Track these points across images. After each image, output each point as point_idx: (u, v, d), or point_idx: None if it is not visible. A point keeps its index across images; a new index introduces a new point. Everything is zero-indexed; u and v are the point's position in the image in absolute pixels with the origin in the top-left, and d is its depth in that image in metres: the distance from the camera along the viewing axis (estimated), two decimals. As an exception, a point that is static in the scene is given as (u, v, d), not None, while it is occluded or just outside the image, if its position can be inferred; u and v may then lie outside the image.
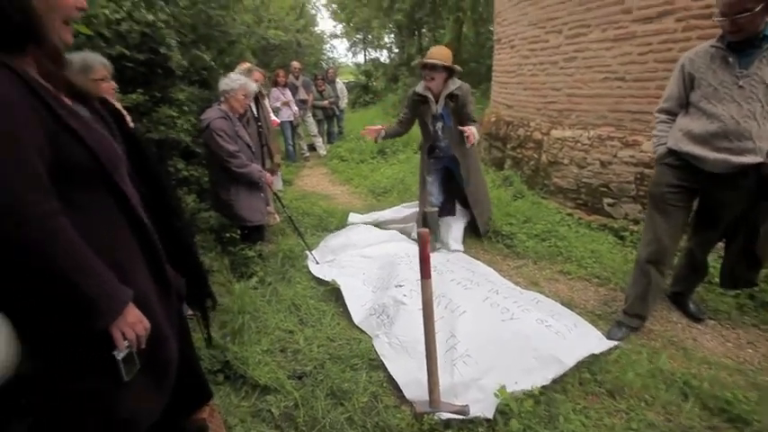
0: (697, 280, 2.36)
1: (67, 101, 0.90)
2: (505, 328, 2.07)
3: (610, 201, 3.49)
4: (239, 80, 2.79)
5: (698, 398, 1.75)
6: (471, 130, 2.80)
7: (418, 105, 3.16)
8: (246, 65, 3.85)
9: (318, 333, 2.36)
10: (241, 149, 2.83)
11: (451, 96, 3.01)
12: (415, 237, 3.54)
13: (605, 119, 3.54)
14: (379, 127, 3.32)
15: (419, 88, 3.11)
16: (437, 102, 3.07)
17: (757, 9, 1.66)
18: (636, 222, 3.26)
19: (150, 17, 2.86)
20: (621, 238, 3.23)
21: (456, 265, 2.90)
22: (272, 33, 5.87)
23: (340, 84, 8.15)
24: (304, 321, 2.49)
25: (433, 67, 2.94)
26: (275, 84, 6.44)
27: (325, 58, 16.43)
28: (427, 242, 1.60)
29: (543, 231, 3.39)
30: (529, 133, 4.37)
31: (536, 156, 4.24)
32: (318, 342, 2.27)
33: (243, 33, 4.37)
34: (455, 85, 3.00)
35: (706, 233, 2.17)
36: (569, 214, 3.70)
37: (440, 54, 2.96)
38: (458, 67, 3.02)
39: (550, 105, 4.07)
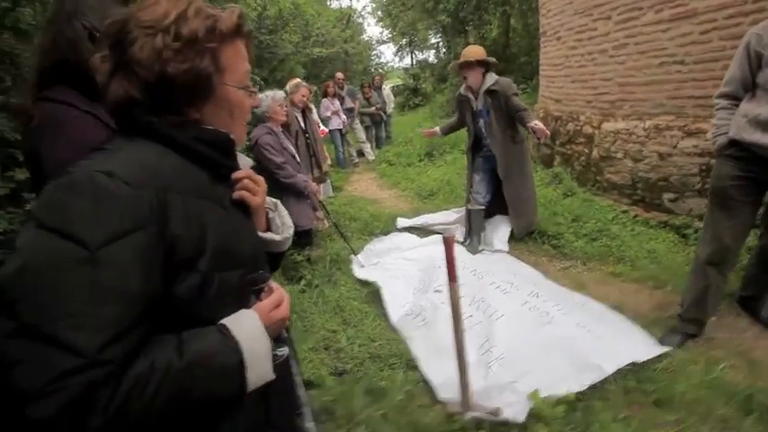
0: (772, 282, 2.11)
1: None
2: (543, 332, 2.03)
3: (671, 196, 3.21)
4: (265, 99, 3.02)
5: (764, 413, 1.58)
6: (538, 125, 2.68)
7: (461, 105, 3.28)
8: (296, 80, 4.12)
9: (360, 333, 2.48)
10: (287, 161, 3.06)
11: (490, 92, 3.03)
12: (459, 238, 3.53)
13: (663, 107, 3.26)
14: (434, 129, 3.62)
15: (461, 89, 3.24)
16: (476, 99, 3.13)
17: None
18: (702, 218, 2.96)
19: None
20: (684, 236, 2.96)
21: (497, 265, 2.87)
22: (318, 51, 6.19)
23: (386, 90, 8.31)
24: (347, 322, 2.63)
25: (467, 65, 2.99)
26: (325, 94, 6.77)
27: (374, 64, 16.77)
28: (452, 246, 1.64)
29: (594, 230, 3.21)
30: (579, 128, 4.15)
31: (587, 151, 4.01)
32: (360, 341, 2.39)
33: (291, 53, 4.68)
34: (492, 80, 3.03)
35: (778, 230, 1.94)
36: (624, 212, 3.45)
37: (471, 51, 3.02)
38: (492, 59, 3.03)
39: (601, 97, 3.84)
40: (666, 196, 3.23)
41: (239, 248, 0.69)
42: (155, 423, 0.52)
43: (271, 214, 0.88)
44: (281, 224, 0.89)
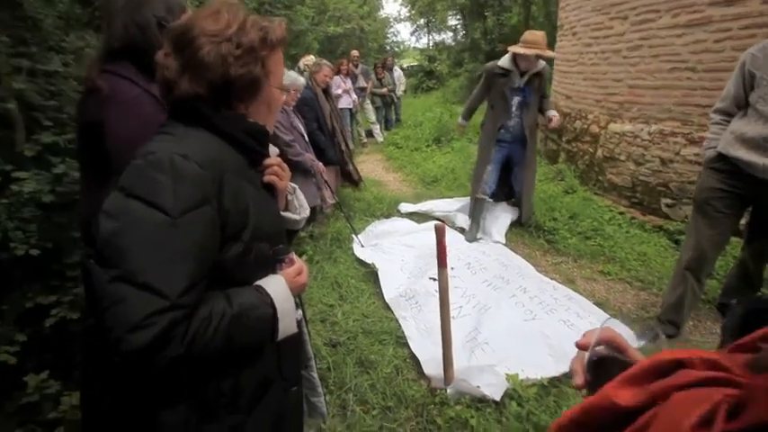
0: (749, 293, 2.20)
1: None
2: (526, 326, 2.16)
3: (668, 201, 3.28)
4: (288, 78, 3.06)
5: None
6: (555, 114, 3.08)
7: (497, 79, 3.14)
8: (310, 57, 4.14)
9: (355, 309, 2.62)
10: (296, 139, 3.14)
11: (536, 74, 3.08)
12: (459, 225, 3.64)
13: (670, 113, 3.29)
14: (460, 123, 3.69)
15: (503, 63, 3.09)
16: (521, 76, 3.10)
17: None
18: (695, 226, 3.05)
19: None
20: (677, 242, 3.05)
21: (490, 257, 2.97)
22: (332, 30, 6.13)
23: (398, 71, 8.25)
24: (344, 297, 2.77)
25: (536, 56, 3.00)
26: (338, 72, 6.74)
27: (389, 42, 16.46)
28: (443, 234, 1.74)
29: (588, 229, 3.30)
30: (586, 126, 4.18)
31: (591, 150, 4.05)
32: (354, 317, 2.53)
33: (306, 29, 4.67)
34: (541, 64, 3.07)
35: (760, 244, 2.03)
36: (621, 213, 3.53)
37: (542, 42, 2.99)
38: (552, 53, 3.07)
39: (611, 97, 3.85)
40: (664, 201, 3.30)
41: (268, 224, 0.82)
42: (208, 359, 0.67)
43: (290, 197, 1.01)
44: (299, 206, 1.02)
